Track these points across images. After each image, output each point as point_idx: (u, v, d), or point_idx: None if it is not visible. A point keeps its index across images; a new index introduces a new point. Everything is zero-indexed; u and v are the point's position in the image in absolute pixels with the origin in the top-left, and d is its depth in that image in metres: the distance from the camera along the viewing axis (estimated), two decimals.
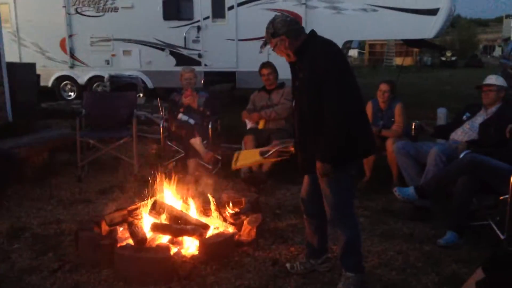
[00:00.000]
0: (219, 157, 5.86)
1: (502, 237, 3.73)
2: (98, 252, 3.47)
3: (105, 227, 3.74)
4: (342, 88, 2.85)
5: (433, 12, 9.36)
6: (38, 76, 9.06)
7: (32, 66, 8.45)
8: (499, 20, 57.50)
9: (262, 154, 3.45)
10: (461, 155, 4.13)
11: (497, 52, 33.67)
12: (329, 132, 2.84)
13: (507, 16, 43.68)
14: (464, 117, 4.73)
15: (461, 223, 3.86)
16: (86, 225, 3.83)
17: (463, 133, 4.60)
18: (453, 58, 27.82)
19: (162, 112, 6.38)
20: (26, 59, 11.12)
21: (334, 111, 2.82)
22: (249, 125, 5.76)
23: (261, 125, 5.63)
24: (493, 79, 4.58)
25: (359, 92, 2.97)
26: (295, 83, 3.10)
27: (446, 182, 4.02)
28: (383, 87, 5.29)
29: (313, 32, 3.06)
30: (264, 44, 3.15)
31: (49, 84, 11.66)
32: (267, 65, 5.73)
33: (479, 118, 4.58)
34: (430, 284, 3.28)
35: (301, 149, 3.14)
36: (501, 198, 3.77)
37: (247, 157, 3.76)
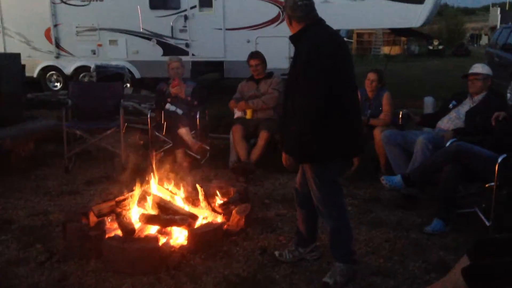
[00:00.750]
0: (207, 147, 5.85)
1: (487, 224, 3.77)
2: (86, 243, 3.46)
3: (93, 218, 3.72)
4: (315, 85, 2.80)
5: (420, 1, 9.37)
6: (23, 66, 8.92)
7: (17, 56, 8.30)
8: (486, 9, 57.80)
9: None
10: (447, 143, 4.16)
11: (484, 40, 33.88)
12: (293, 125, 2.88)
13: (494, 5, 43.97)
14: (451, 105, 4.77)
15: (447, 211, 3.91)
16: (74, 216, 3.81)
17: (450, 122, 4.64)
18: (440, 47, 27.91)
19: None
20: (11, 50, 10.95)
21: (300, 105, 2.83)
22: (236, 114, 5.74)
23: (249, 115, 5.61)
24: (479, 68, 4.61)
25: (343, 92, 2.91)
26: None
27: (432, 170, 4.06)
28: (371, 76, 5.31)
29: (318, 20, 3.00)
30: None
31: (35, 74, 11.50)
32: (255, 55, 5.70)
33: (465, 106, 4.62)
34: (417, 271, 3.32)
35: (283, 136, 3.18)
36: (486, 185, 3.81)
37: None
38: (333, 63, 2.86)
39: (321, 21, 3.02)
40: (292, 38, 3.04)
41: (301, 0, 2.96)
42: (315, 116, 2.82)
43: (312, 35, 2.93)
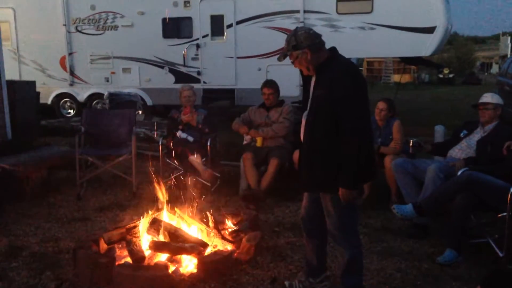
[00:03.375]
0: (218, 175, 5.87)
1: (500, 254, 3.73)
2: (96, 271, 3.46)
3: (103, 245, 3.74)
4: (359, 115, 2.84)
5: (430, 30, 9.46)
6: (38, 93, 9.08)
7: (32, 83, 8.50)
8: (496, 38, 57.98)
9: None
10: (459, 173, 4.14)
11: (495, 69, 33.88)
12: (349, 158, 2.82)
13: (504, 34, 44.07)
14: (462, 134, 4.76)
15: (459, 241, 3.87)
16: (84, 243, 3.82)
17: (461, 151, 4.62)
18: (451, 75, 27.97)
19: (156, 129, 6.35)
20: (26, 77, 11.18)
21: (350, 137, 2.80)
22: (245, 141, 5.76)
23: (259, 143, 5.63)
24: (489, 97, 4.61)
25: (370, 119, 2.99)
26: (308, 96, 3.07)
27: (444, 200, 4.02)
28: (380, 105, 5.33)
29: (334, 48, 3.02)
30: (284, 57, 3.06)
31: (49, 101, 11.70)
32: (269, 84, 5.70)
33: (476, 135, 4.61)
34: None
35: (306, 167, 3.06)
36: (499, 215, 3.77)
37: None
38: (365, 88, 2.95)
39: (336, 49, 3.04)
40: (322, 65, 2.96)
41: (308, 29, 3.03)
42: (368, 143, 2.87)
43: (342, 65, 2.95)
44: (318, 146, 2.96)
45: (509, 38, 37.52)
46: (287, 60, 3.12)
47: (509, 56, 21.01)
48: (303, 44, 2.94)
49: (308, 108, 3.04)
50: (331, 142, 2.87)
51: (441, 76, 28.10)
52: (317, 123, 2.95)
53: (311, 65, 2.98)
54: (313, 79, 3.04)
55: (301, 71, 3.12)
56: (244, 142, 5.76)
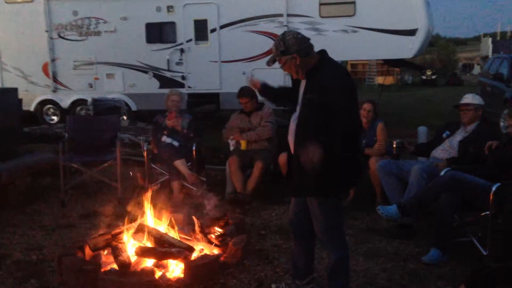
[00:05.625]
0: (204, 179, 5.86)
1: (484, 253, 3.78)
2: (81, 278, 3.44)
3: (88, 252, 3.71)
4: (352, 117, 2.86)
5: (411, 32, 9.56)
6: (20, 100, 8.98)
7: (14, 90, 8.39)
8: (477, 39, 58.75)
9: None
10: (442, 173, 4.19)
11: (476, 70, 34.30)
12: (333, 163, 2.81)
13: (485, 35, 44.70)
14: (444, 135, 4.83)
15: (443, 240, 3.91)
16: (69, 250, 3.79)
17: (443, 151, 4.68)
18: (434, 77, 28.24)
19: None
20: (8, 84, 11.04)
21: (343, 128, 2.80)
22: (232, 146, 5.77)
23: (243, 146, 5.64)
24: (469, 98, 4.69)
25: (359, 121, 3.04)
26: (296, 98, 3.05)
27: (428, 200, 4.07)
28: (367, 106, 5.37)
29: (324, 51, 3.02)
30: (272, 61, 3.03)
31: (32, 108, 11.56)
32: (243, 94, 5.65)
33: (458, 136, 4.67)
34: None
35: (297, 170, 2.99)
36: (482, 214, 3.83)
37: None
38: (355, 91, 2.98)
39: (326, 52, 3.03)
40: (313, 69, 2.95)
41: (297, 33, 3.00)
42: (353, 149, 2.88)
43: (331, 69, 2.94)
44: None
45: (490, 39, 38.07)
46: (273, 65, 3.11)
47: (490, 57, 21.31)
48: (292, 49, 2.91)
49: (298, 112, 3.02)
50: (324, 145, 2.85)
51: (424, 77, 28.36)
52: (307, 127, 2.93)
53: (300, 69, 2.97)
54: (303, 83, 3.03)
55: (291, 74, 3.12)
56: (231, 148, 5.75)
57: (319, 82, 2.88)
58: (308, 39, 3.01)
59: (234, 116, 5.91)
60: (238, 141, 5.68)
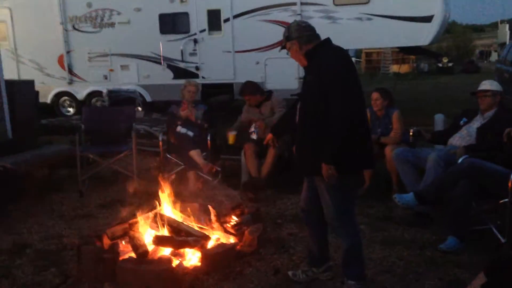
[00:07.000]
0: (219, 168, 5.88)
1: (502, 240, 3.74)
2: (100, 266, 3.48)
3: (107, 241, 3.75)
4: (347, 95, 2.85)
5: (427, 19, 9.43)
6: (37, 93, 9.07)
7: (30, 83, 8.46)
8: (494, 25, 57.75)
9: None
10: (459, 160, 4.15)
11: (493, 57, 33.80)
12: (332, 136, 2.85)
13: (502, 21, 43.91)
14: (461, 122, 4.76)
15: (461, 228, 3.88)
16: (87, 239, 3.84)
17: (461, 138, 4.62)
18: (450, 64, 27.91)
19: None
20: (25, 76, 11.18)
21: (338, 115, 2.82)
22: (254, 136, 5.73)
23: (231, 141, 5.66)
24: (487, 85, 4.61)
25: (362, 104, 3.00)
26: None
27: (445, 187, 4.03)
28: (374, 95, 5.36)
29: (327, 39, 3.08)
30: (282, 47, 3.18)
31: (48, 100, 11.71)
32: (244, 92, 5.80)
33: (476, 123, 4.61)
34: None
35: (300, 150, 3.14)
36: (500, 202, 3.78)
37: None
38: (355, 74, 2.99)
39: (329, 40, 3.09)
40: (309, 53, 3.02)
41: (302, 22, 3.15)
42: (353, 127, 2.86)
43: (331, 50, 3.01)
44: (310, 130, 3.00)
45: (507, 25, 37.34)
46: (285, 54, 3.22)
47: (507, 43, 20.95)
48: (292, 36, 3.06)
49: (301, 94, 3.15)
50: (323, 125, 2.89)
51: (440, 65, 28.03)
52: (307, 108, 3.02)
53: (301, 56, 3.06)
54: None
55: None
56: (254, 137, 5.72)
57: (316, 63, 2.97)
58: (313, 28, 3.11)
59: (245, 108, 5.96)
60: (260, 128, 5.66)
